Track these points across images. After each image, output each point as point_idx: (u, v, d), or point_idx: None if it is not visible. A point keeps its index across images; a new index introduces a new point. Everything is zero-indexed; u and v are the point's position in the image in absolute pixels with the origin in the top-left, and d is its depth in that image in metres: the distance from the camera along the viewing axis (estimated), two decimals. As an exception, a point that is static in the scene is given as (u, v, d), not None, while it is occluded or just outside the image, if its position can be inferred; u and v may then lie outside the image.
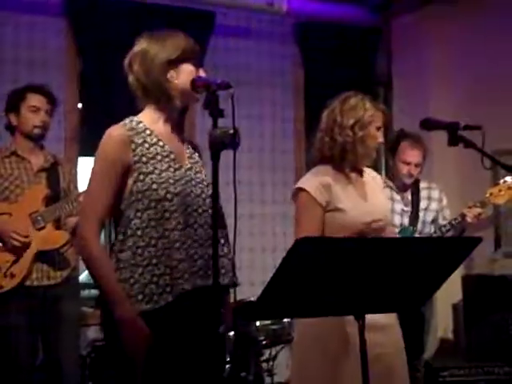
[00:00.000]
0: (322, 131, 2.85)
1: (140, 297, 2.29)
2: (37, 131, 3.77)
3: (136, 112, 2.51)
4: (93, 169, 2.38)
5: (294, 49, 5.78)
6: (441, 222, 4.37)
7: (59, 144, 4.84)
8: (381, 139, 2.85)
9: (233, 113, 2.17)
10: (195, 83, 2.37)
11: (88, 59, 5.07)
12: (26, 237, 3.62)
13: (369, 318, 2.15)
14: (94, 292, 4.92)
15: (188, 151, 2.52)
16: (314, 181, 2.78)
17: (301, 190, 2.78)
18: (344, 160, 2.81)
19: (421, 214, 4.33)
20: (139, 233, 2.32)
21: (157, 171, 2.36)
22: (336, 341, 2.63)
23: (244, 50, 5.60)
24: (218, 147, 2.18)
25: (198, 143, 2.64)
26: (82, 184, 4.05)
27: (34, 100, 3.76)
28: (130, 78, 2.45)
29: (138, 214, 2.33)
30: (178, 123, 2.50)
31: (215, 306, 2.14)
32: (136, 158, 2.36)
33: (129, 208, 2.34)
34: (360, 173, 2.90)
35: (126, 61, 2.47)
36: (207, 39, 5.28)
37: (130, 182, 2.35)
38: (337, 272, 1.99)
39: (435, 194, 4.45)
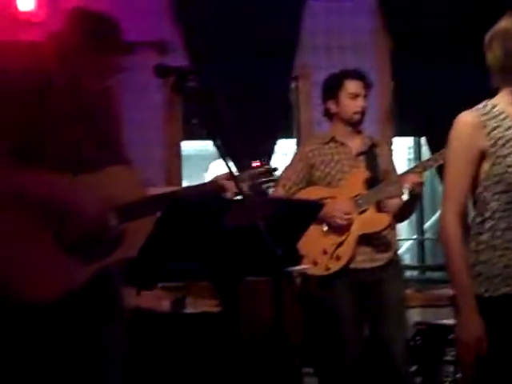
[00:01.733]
0: None
1: (499, 279, 2.30)
2: (356, 117, 3.82)
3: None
4: (448, 155, 2.43)
5: None
6: None
7: (374, 126, 4.86)
8: None
9: None
10: None
11: (399, 38, 5.02)
12: (349, 214, 3.69)
13: None
14: (416, 274, 4.93)
15: None
16: None
17: None
18: None
19: None
20: (497, 215, 2.32)
21: None
22: None
23: None
24: None
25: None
26: (400, 164, 4.04)
27: (352, 86, 3.80)
28: (488, 57, 2.39)
29: (496, 197, 2.33)
30: None
31: None
32: (491, 142, 2.34)
33: (486, 191, 2.35)
34: None
35: (486, 39, 2.41)
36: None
37: (487, 165, 2.35)
38: None
39: None
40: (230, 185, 2.62)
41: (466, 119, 2.37)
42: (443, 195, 2.42)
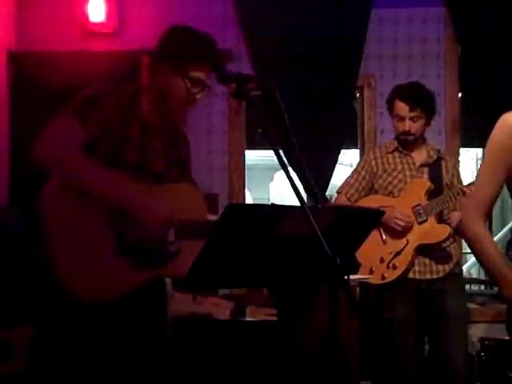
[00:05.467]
0: None
1: None
2: (403, 137, 3.77)
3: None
4: (484, 157, 2.31)
5: None
6: None
7: (440, 136, 4.78)
8: None
9: None
10: None
11: (467, 47, 4.91)
12: (409, 217, 3.63)
13: None
14: (480, 288, 4.81)
15: None
16: None
17: None
18: None
19: None
20: None
21: None
22: None
23: None
24: None
25: None
26: (465, 177, 3.95)
27: (399, 108, 3.69)
28: None
29: None
30: None
31: None
32: None
33: None
34: None
35: None
36: None
37: None
38: None
39: None
40: None
41: (508, 121, 2.24)
42: (466, 200, 2.32)
